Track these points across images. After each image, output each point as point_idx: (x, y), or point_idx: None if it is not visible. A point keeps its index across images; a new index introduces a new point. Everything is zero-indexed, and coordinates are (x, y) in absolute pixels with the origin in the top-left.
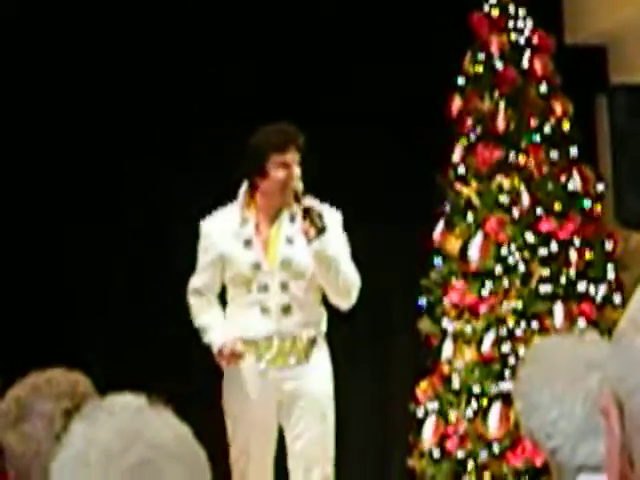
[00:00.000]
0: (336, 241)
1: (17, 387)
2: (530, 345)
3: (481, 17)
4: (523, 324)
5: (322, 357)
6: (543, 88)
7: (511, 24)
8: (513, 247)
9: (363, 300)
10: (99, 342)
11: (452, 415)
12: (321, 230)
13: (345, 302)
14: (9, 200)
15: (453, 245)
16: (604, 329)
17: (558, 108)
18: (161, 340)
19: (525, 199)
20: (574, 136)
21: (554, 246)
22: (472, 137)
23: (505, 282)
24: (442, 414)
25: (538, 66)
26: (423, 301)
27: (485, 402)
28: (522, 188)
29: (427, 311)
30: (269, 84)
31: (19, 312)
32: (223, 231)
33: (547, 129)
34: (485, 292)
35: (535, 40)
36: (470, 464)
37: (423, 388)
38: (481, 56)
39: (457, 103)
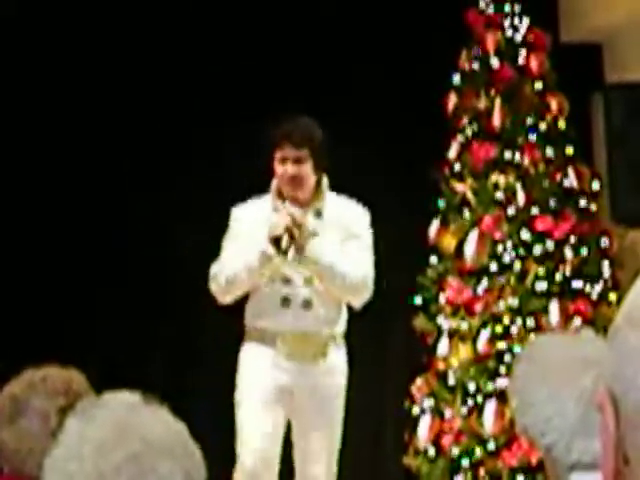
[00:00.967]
0: (331, 246)
1: (12, 384)
2: (526, 343)
3: (477, 14)
4: (519, 322)
5: (340, 356)
6: (539, 86)
7: (507, 22)
8: (509, 245)
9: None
10: (96, 340)
11: (447, 412)
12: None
13: (355, 301)
14: (6, 198)
15: (449, 242)
16: (600, 327)
17: (554, 106)
18: (160, 339)
19: (521, 197)
20: (570, 134)
21: (550, 244)
22: (468, 134)
23: (501, 280)
24: (437, 411)
25: (534, 64)
26: (419, 298)
27: (480, 400)
28: (518, 186)
29: (423, 308)
30: (266, 84)
31: (15, 309)
32: (255, 219)
33: (543, 127)
34: (480, 290)
35: (531, 38)
36: (465, 462)
37: (418, 385)
38: (477, 53)
39: (453, 100)
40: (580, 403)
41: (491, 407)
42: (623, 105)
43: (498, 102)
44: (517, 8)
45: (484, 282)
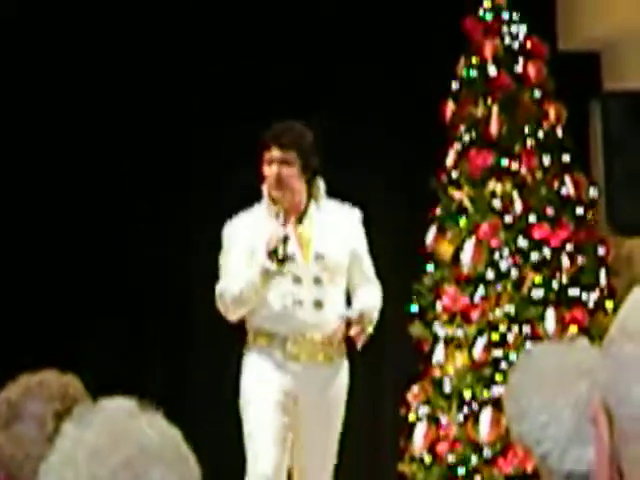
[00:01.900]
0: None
1: (9, 389)
2: (522, 351)
3: (475, 22)
4: (515, 329)
5: (344, 360)
6: (536, 94)
7: (505, 29)
8: (505, 252)
9: None
10: (94, 345)
11: (443, 420)
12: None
13: None
14: (6, 199)
15: (445, 250)
16: (596, 335)
17: (551, 114)
18: (157, 343)
19: (518, 205)
20: (567, 142)
21: (546, 252)
22: (465, 142)
23: (497, 287)
24: (433, 419)
25: (532, 72)
26: (415, 306)
27: (476, 407)
28: (515, 194)
29: (419, 316)
30: (262, 85)
31: (10, 313)
32: (250, 230)
33: (540, 135)
34: (477, 297)
35: (529, 46)
36: (461, 469)
37: (414, 393)
38: (475, 61)
39: (451, 108)
40: (575, 411)
41: (487, 415)
42: (621, 113)
43: (496, 110)
44: (515, 16)
45: (481, 290)
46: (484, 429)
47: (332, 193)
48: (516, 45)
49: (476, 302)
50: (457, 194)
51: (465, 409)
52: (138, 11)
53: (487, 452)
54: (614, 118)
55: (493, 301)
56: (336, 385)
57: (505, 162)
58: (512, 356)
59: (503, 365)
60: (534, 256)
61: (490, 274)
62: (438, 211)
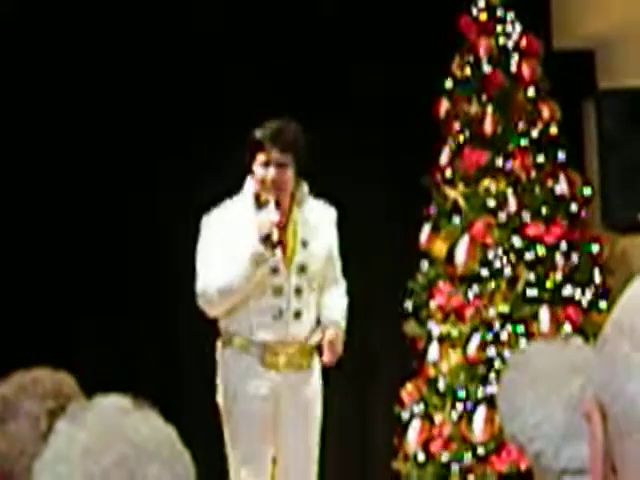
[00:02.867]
0: (328, 240)
1: (2, 386)
2: (516, 349)
3: (470, 21)
4: (509, 328)
5: (318, 365)
6: (531, 92)
7: (499, 28)
8: (499, 251)
9: (349, 302)
10: (89, 343)
11: (437, 418)
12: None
13: None
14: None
15: (439, 248)
16: (590, 333)
17: (546, 112)
18: (151, 340)
19: (512, 203)
20: (561, 140)
21: (540, 250)
22: (460, 140)
23: (491, 286)
24: (427, 417)
25: (526, 70)
26: (409, 304)
27: (470, 405)
28: (509, 192)
29: (413, 314)
30: (256, 83)
31: (7, 311)
32: (231, 224)
33: (534, 133)
34: (471, 295)
35: (523, 44)
36: (455, 467)
37: (408, 391)
38: (469, 59)
39: (445, 106)
40: (568, 409)
41: (481, 413)
42: (615, 112)
43: (490, 108)
44: (510, 15)
45: (475, 288)
46: (478, 427)
47: (326, 192)
48: (510, 43)
49: (470, 300)
50: (451, 192)
51: (459, 407)
52: (135, 11)
53: (481, 450)
54: (608, 116)
55: (487, 299)
56: (312, 387)
57: (499, 160)
58: (506, 355)
59: (497, 363)
60: (528, 254)
61: (484, 272)
62: (432, 209)
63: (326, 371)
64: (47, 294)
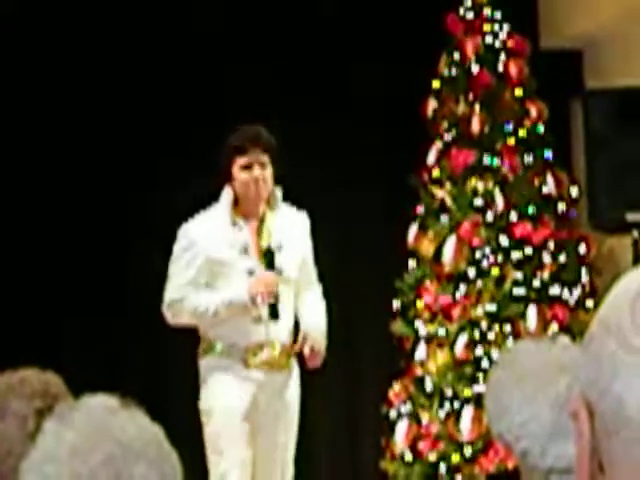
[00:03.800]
0: (302, 248)
1: None
2: (503, 348)
3: (457, 20)
4: (496, 327)
5: (297, 367)
6: (518, 92)
7: (487, 27)
8: (487, 250)
9: (336, 301)
10: (76, 343)
11: (425, 418)
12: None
13: None
14: None
15: (427, 247)
16: (577, 332)
17: (533, 112)
18: (139, 341)
19: (499, 202)
20: (549, 140)
21: (528, 249)
22: (447, 140)
23: (479, 285)
24: (415, 416)
25: (513, 70)
26: (397, 303)
27: (458, 405)
28: (496, 191)
29: (400, 313)
30: (256, 83)
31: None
32: (209, 237)
33: (522, 133)
34: (458, 295)
35: (511, 44)
36: (442, 467)
37: (396, 390)
38: (456, 59)
39: (432, 105)
40: (555, 408)
41: (468, 412)
42: (602, 111)
43: (477, 108)
44: (497, 14)
45: (462, 287)
46: (465, 427)
47: (313, 192)
48: (498, 43)
49: (457, 300)
50: (439, 192)
51: (446, 407)
52: (128, 12)
53: (468, 450)
54: (596, 116)
55: (474, 299)
56: (291, 388)
57: (487, 160)
58: (494, 354)
59: (484, 363)
60: (515, 254)
61: (471, 272)
62: (419, 209)
63: (314, 371)
64: (34, 295)
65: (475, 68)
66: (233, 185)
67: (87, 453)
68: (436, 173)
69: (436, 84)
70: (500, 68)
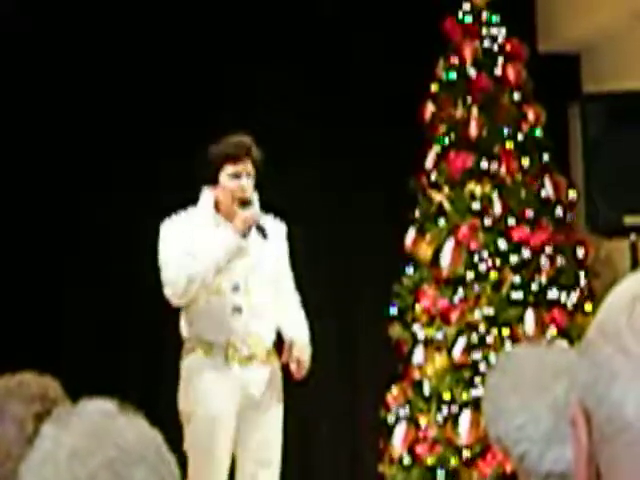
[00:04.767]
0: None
1: None
2: (501, 352)
3: (454, 24)
4: (494, 331)
5: (277, 362)
6: (516, 96)
7: (484, 31)
8: (485, 254)
9: (334, 305)
10: (74, 347)
11: (423, 421)
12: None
13: None
14: None
15: (425, 251)
16: (575, 336)
17: (531, 116)
18: (137, 346)
19: (497, 206)
20: (546, 144)
21: (526, 253)
22: (445, 144)
23: (476, 289)
24: (412, 420)
25: (511, 73)
26: (394, 307)
27: (456, 409)
28: (494, 195)
29: (398, 317)
30: (256, 83)
31: None
32: (191, 236)
33: (520, 137)
34: (456, 299)
35: (508, 47)
36: (440, 471)
37: (394, 394)
38: (454, 63)
39: (430, 109)
40: (553, 411)
41: (466, 416)
42: (600, 115)
43: (475, 111)
44: (495, 18)
45: (460, 291)
46: (463, 431)
47: (311, 194)
48: (495, 47)
49: (455, 304)
50: (436, 196)
51: (444, 411)
52: (128, 12)
53: (466, 454)
54: (593, 120)
55: (472, 303)
56: (277, 380)
57: (484, 164)
58: (491, 358)
59: (482, 367)
60: (513, 258)
61: (469, 276)
62: (417, 213)
63: (311, 374)
64: (32, 296)
65: (473, 72)
66: (216, 190)
67: (86, 457)
68: (434, 177)
69: (434, 88)
70: (498, 72)
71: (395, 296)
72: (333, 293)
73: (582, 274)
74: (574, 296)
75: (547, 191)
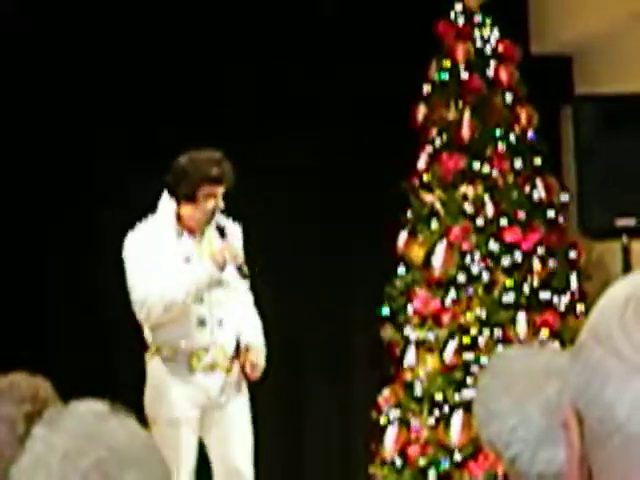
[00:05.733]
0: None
1: None
2: (493, 354)
3: (447, 25)
4: (486, 333)
5: (237, 366)
6: (508, 97)
7: (477, 33)
8: (477, 256)
9: (326, 306)
10: (62, 347)
11: (414, 423)
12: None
13: None
14: None
15: (417, 253)
16: (567, 338)
17: (523, 118)
18: (128, 347)
19: (489, 208)
20: (539, 146)
21: (518, 255)
22: (437, 145)
23: (468, 291)
24: (404, 422)
25: (503, 75)
26: (386, 309)
27: (447, 410)
28: (486, 197)
29: (390, 319)
30: (256, 83)
31: None
32: (163, 245)
33: (512, 138)
34: (448, 300)
35: (501, 49)
36: (432, 472)
37: (385, 396)
38: (447, 64)
39: (422, 111)
40: (545, 413)
41: (458, 418)
42: (592, 117)
43: (467, 113)
44: (487, 20)
45: (452, 293)
46: (455, 432)
47: (304, 195)
48: (488, 49)
49: (447, 305)
50: (429, 197)
51: (436, 412)
52: (128, 12)
53: (458, 455)
54: (586, 122)
55: (464, 304)
56: (243, 386)
57: (477, 165)
58: (483, 359)
59: (474, 368)
60: (505, 260)
61: (461, 277)
62: (409, 214)
63: (303, 376)
64: (19, 298)
65: (465, 74)
66: (185, 202)
67: (77, 458)
68: (426, 179)
69: (426, 89)
70: (490, 74)
71: (387, 298)
72: (324, 294)
73: (574, 276)
74: (566, 298)
75: (539, 193)
